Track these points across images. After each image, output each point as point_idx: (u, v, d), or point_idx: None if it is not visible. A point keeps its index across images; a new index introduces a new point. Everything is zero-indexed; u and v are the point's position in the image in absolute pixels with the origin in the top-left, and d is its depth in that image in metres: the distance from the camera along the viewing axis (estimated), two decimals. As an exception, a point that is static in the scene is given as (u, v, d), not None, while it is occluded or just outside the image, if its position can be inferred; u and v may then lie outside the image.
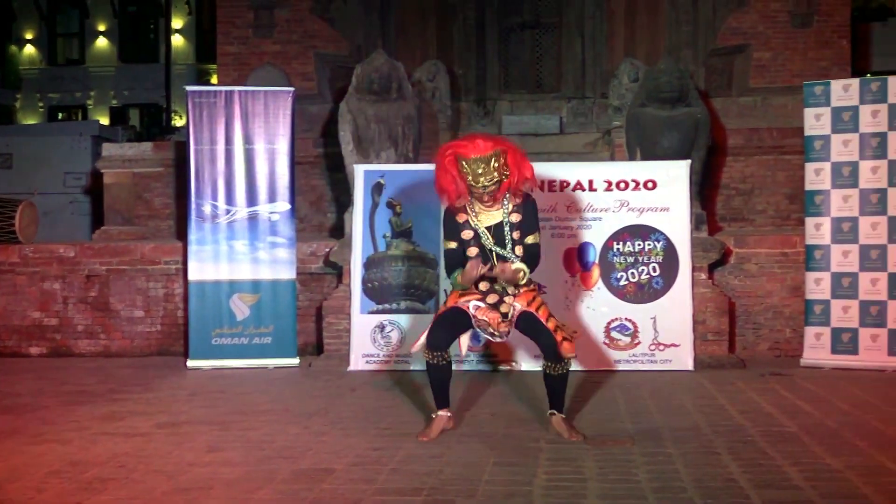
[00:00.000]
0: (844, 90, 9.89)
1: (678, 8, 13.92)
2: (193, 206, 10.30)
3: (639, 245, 9.69)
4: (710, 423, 7.05)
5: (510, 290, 6.60)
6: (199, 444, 6.52)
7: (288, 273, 10.31)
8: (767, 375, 9.17)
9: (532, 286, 6.71)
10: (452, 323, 6.67)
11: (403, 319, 9.83)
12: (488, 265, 6.48)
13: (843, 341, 9.67)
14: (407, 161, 10.65)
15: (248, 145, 10.33)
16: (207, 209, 10.30)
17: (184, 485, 5.51)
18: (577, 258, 9.77)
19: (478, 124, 13.50)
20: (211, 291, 10.23)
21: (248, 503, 5.18)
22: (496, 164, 6.37)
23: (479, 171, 6.34)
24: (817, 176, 9.91)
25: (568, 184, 9.73)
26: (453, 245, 6.67)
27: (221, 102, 10.33)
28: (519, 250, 6.55)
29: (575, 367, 9.38)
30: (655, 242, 9.72)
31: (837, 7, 12.99)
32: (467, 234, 6.60)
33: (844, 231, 9.75)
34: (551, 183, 9.78)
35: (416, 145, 10.95)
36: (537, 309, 6.59)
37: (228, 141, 10.33)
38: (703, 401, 7.96)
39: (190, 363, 10.11)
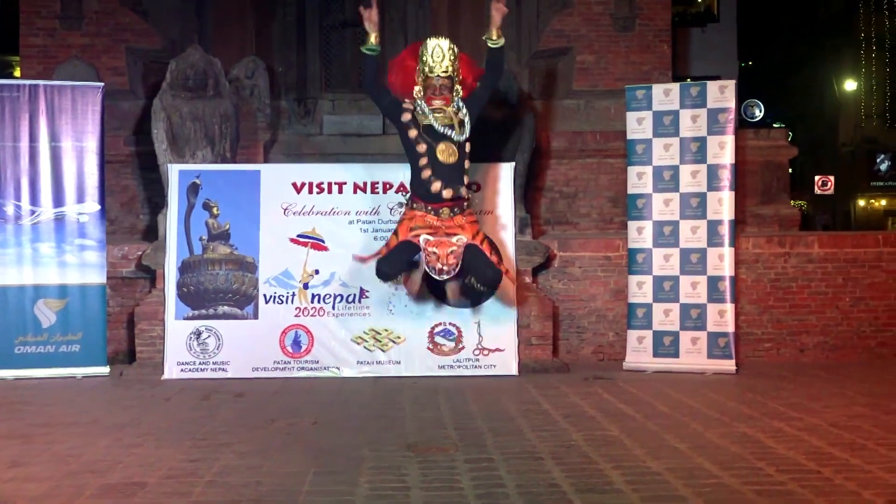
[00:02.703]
0: (665, 94, 10.05)
1: (502, 9, 13.94)
2: (-6, 206, 9.87)
3: (463, 248, 9.61)
4: (534, 427, 7.05)
5: (445, 213, 7.57)
6: (1, 459, 6.18)
7: (97, 277, 9.94)
8: (591, 379, 9.26)
9: (475, 217, 7.73)
10: (403, 255, 7.66)
11: (221, 325, 9.58)
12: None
13: (665, 344, 9.82)
14: (224, 161, 10.37)
15: (54, 143, 9.95)
16: (10, 210, 9.88)
17: (-19, 503, 5.22)
18: (400, 261, 9.65)
19: (298, 124, 13.25)
20: (14, 297, 9.81)
21: (51, 522, 4.92)
22: (452, 58, 7.39)
23: (436, 58, 7.40)
24: (639, 179, 10.02)
25: (391, 185, 9.64)
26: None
27: (25, 97, 9.92)
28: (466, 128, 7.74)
29: (397, 372, 9.35)
30: (479, 245, 9.65)
31: (659, 12, 13.20)
32: (406, 117, 7.65)
33: (666, 235, 9.89)
34: (374, 185, 9.72)
35: (234, 144, 10.68)
36: (481, 243, 7.39)
37: (33, 138, 9.92)
38: (527, 405, 7.97)
39: (-9, 373, 9.66)
